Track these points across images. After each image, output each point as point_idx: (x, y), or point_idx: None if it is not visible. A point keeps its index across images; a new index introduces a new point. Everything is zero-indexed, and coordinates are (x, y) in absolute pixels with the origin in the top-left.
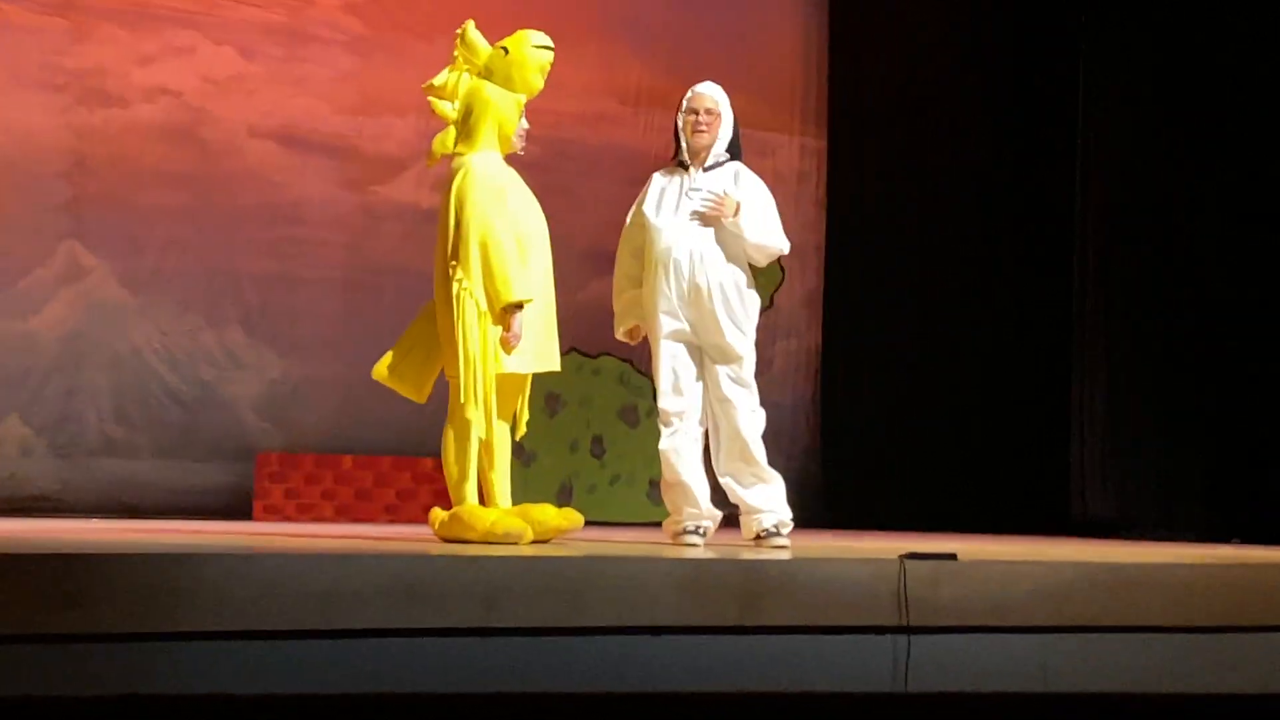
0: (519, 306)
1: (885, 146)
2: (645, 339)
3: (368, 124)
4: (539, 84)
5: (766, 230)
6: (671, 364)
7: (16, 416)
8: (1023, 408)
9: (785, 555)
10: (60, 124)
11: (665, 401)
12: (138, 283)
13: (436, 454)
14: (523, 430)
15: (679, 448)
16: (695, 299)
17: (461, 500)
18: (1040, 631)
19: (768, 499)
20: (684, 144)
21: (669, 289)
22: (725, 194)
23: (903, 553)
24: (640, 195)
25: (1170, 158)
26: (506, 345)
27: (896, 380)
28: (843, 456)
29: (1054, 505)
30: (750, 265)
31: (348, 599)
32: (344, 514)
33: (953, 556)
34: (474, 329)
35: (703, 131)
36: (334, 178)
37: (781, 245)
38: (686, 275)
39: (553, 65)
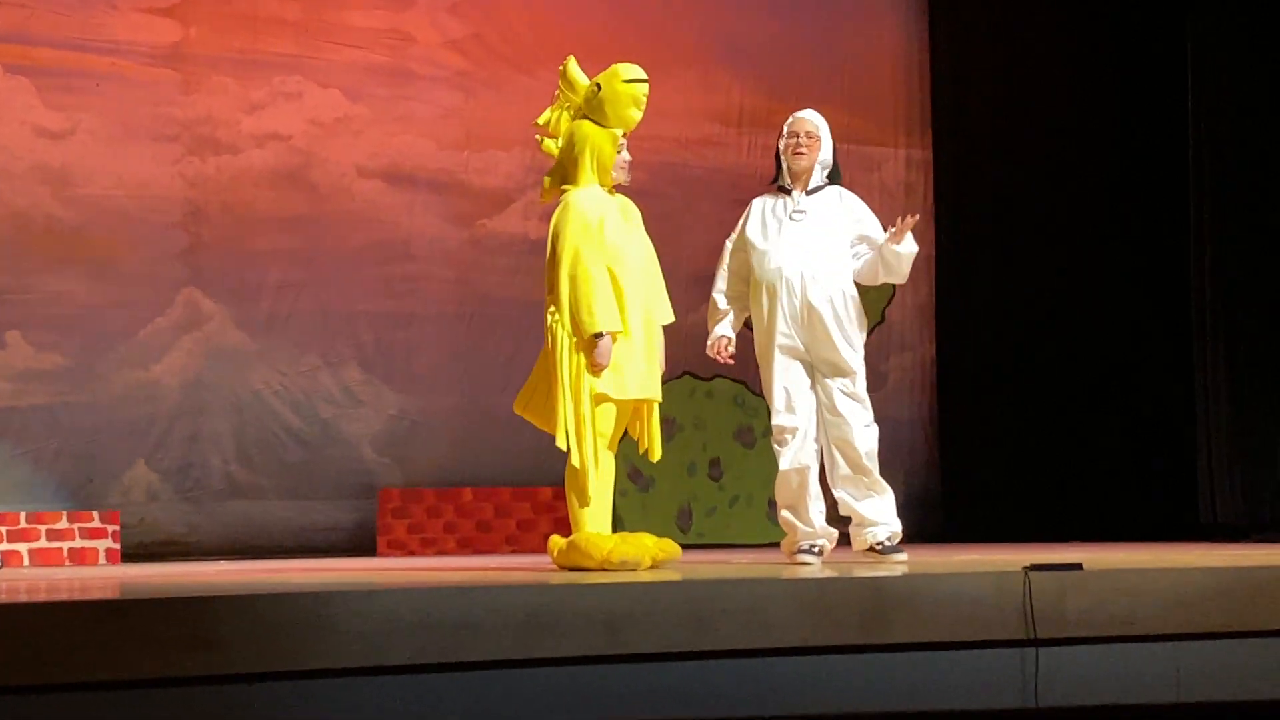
0: (601, 337)
1: (992, 153)
2: (732, 356)
3: (473, 159)
4: (635, 117)
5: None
6: (784, 382)
7: (143, 463)
8: (1145, 412)
9: (903, 570)
10: (173, 174)
11: (780, 419)
12: (255, 326)
13: (555, 483)
14: (657, 454)
15: (799, 465)
16: (808, 317)
17: (580, 528)
18: (1171, 639)
19: (881, 511)
20: (785, 167)
21: (781, 308)
22: (904, 217)
23: (1027, 564)
24: (742, 219)
25: None
26: (592, 371)
27: (1014, 390)
28: (962, 469)
29: (1180, 510)
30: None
31: (470, 631)
32: (466, 546)
33: (1078, 566)
34: (566, 359)
35: (802, 154)
36: (442, 213)
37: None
38: (799, 294)
39: (652, 91)
